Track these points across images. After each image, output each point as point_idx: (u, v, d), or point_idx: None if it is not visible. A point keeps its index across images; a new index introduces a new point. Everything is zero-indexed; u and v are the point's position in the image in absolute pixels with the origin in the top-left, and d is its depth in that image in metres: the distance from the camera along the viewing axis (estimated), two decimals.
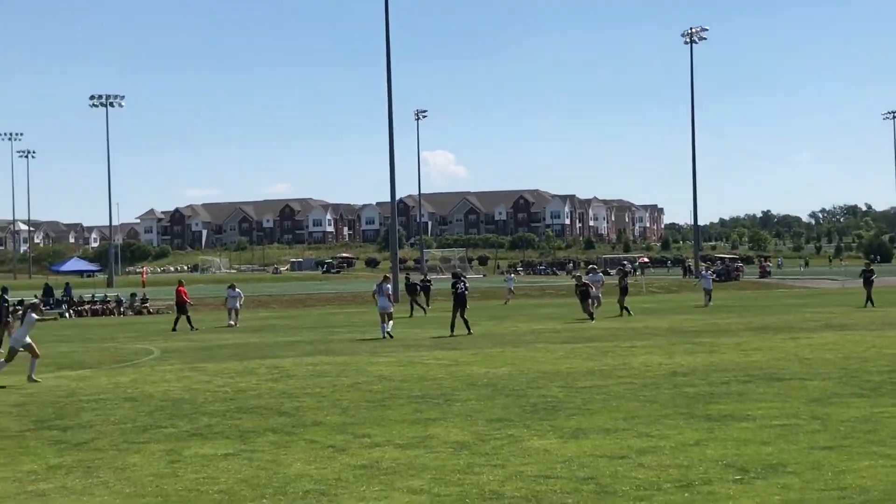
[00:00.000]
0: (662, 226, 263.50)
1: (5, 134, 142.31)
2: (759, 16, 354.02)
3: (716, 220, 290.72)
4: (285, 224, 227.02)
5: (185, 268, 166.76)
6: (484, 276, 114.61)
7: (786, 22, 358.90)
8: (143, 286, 77.58)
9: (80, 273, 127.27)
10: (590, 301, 36.59)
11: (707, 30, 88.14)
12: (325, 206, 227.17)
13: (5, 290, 29.98)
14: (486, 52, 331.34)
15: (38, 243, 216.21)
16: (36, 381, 19.13)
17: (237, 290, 39.15)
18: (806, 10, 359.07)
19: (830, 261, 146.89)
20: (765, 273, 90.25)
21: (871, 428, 11.78)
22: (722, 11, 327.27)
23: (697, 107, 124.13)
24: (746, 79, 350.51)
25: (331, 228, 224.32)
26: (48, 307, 46.77)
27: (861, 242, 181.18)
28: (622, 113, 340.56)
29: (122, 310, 53.98)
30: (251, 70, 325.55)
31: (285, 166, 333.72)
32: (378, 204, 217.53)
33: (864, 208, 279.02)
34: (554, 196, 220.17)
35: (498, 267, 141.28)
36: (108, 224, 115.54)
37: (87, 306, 54.12)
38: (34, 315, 20.07)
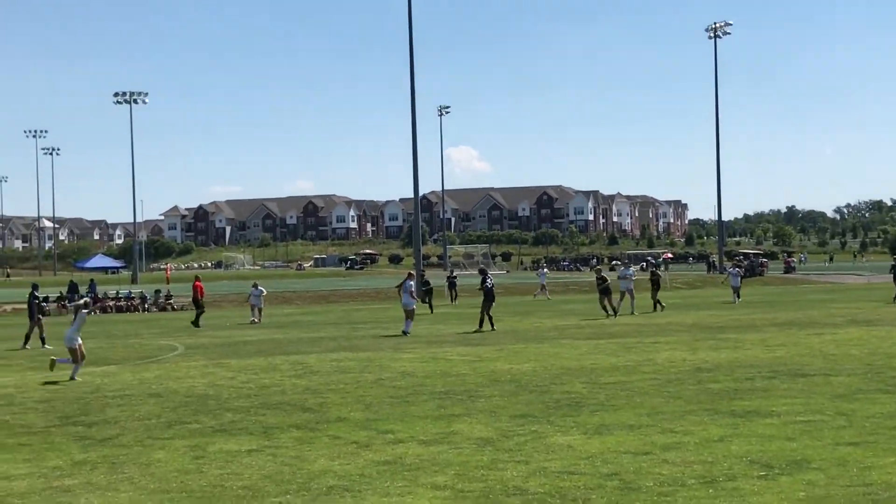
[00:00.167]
0: (686, 221, 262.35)
1: (30, 131, 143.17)
2: (783, 10, 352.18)
3: (740, 216, 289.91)
4: (309, 220, 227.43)
5: (209, 264, 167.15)
6: (507, 272, 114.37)
7: (809, 16, 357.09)
8: (168, 283, 78.00)
9: (105, 269, 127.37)
10: (612, 297, 35.94)
11: (731, 24, 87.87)
12: (349, 203, 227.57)
13: (36, 286, 30.04)
14: (510, 47, 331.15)
15: (62, 240, 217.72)
16: (76, 379, 19.04)
17: (260, 287, 40.18)
18: (829, 4, 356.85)
19: (855, 256, 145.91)
20: (789, 268, 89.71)
21: None
22: (746, 6, 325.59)
23: (721, 102, 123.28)
24: (770, 74, 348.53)
25: (354, 225, 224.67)
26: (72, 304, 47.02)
27: (886, 238, 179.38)
28: (646, 109, 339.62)
29: (146, 306, 54.38)
30: (274, 67, 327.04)
31: (309, 163, 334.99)
32: (401, 200, 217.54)
33: (889, 203, 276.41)
34: (577, 192, 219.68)
35: (521, 263, 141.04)
36: (132, 221, 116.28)
37: (111, 302, 54.50)
38: (85, 312, 20.20)
